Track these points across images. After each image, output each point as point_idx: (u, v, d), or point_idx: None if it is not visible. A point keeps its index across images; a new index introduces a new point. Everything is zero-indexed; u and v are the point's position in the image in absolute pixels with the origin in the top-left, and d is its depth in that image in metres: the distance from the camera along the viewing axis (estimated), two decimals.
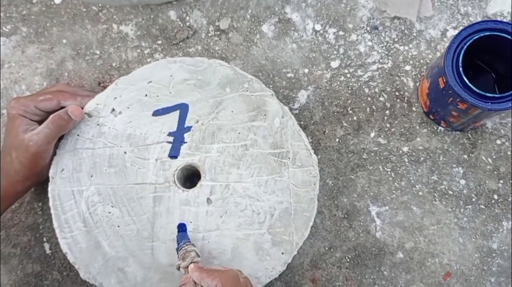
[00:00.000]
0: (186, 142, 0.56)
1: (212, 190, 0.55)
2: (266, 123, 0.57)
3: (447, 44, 0.62)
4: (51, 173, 0.56)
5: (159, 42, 0.64)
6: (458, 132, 0.61)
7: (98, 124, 0.56)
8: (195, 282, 0.46)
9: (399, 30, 0.63)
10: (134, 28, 0.65)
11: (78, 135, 0.56)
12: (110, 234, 0.55)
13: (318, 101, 0.62)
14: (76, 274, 0.59)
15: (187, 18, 0.65)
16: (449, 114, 0.56)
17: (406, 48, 0.63)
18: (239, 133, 0.56)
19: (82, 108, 0.56)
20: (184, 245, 0.50)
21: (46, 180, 0.57)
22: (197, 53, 0.64)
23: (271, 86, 0.63)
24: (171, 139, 0.56)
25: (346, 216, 0.60)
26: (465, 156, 0.61)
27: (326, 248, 0.60)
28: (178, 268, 0.48)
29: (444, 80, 0.52)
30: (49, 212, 0.58)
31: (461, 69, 0.51)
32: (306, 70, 0.63)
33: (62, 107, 0.56)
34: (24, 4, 0.66)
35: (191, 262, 0.47)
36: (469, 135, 0.61)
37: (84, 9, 0.66)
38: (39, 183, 0.59)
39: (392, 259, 0.59)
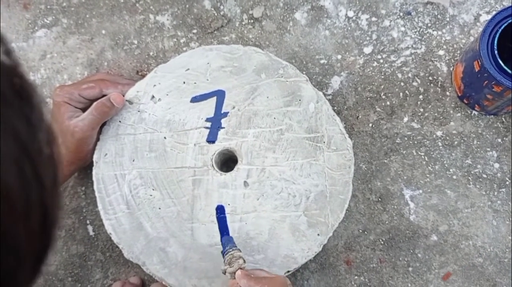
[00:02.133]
0: (223, 127, 0.58)
1: (249, 174, 0.57)
2: (301, 108, 0.58)
3: (480, 29, 0.62)
4: (95, 157, 0.58)
5: (195, 31, 0.66)
6: (492, 116, 0.61)
7: (138, 111, 0.59)
8: None
9: (432, 15, 0.63)
10: (170, 18, 0.67)
11: (120, 121, 0.58)
12: (152, 215, 0.57)
13: (351, 86, 0.63)
14: (118, 254, 0.62)
15: (221, 7, 0.66)
16: (483, 97, 0.56)
17: (440, 33, 0.63)
18: (274, 118, 0.58)
19: (123, 96, 0.58)
20: (231, 250, 0.50)
21: (89, 166, 0.59)
22: (232, 41, 0.65)
23: (304, 72, 0.64)
24: (208, 124, 0.58)
25: (379, 199, 0.61)
26: (499, 140, 0.61)
27: (360, 230, 0.61)
28: (224, 273, 0.49)
29: (480, 63, 0.52)
30: (92, 196, 0.61)
31: (496, 52, 0.51)
32: (339, 56, 0.64)
33: (104, 95, 0.58)
34: None
35: (238, 268, 0.47)
36: (503, 119, 0.61)
37: (122, 1, 0.68)
38: (82, 168, 0.62)
39: (426, 241, 0.60)
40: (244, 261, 0.49)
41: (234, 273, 0.48)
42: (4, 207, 0.18)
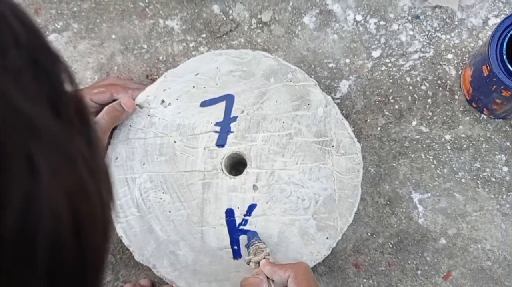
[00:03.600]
0: (232, 132, 0.59)
1: (258, 177, 0.58)
2: (309, 112, 0.58)
3: (489, 33, 0.62)
4: (106, 161, 0.59)
5: (204, 35, 0.67)
6: (500, 119, 0.61)
7: (149, 115, 0.59)
8: (267, 277, 0.47)
9: (440, 19, 0.63)
10: (179, 22, 0.67)
11: (130, 125, 0.59)
12: (162, 219, 0.57)
13: (360, 90, 0.63)
14: (128, 257, 0.63)
15: (230, 11, 0.67)
16: (492, 101, 0.57)
17: (448, 36, 0.63)
18: (283, 122, 0.58)
19: (134, 100, 0.59)
20: (256, 242, 0.52)
21: None
22: (240, 46, 0.66)
23: (313, 76, 0.64)
24: (218, 128, 0.59)
25: (388, 203, 0.61)
26: (508, 144, 0.61)
27: (369, 234, 0.61)
28: (248, 263, 0.50)
29: (488, 67, 0.52)
30: None
31: (505, 56, 0.51)
32: (348, 60, 0.64)
33: (115, 100, 0.59)
34: (74, 1, 0.70)
35: (263, 258, 0.49)
36: None
37: (132, 5, 0.68)
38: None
39: (435, 245, 0.60)
40: (268, 254, 0.51)
41: (259, 263, 0.49)
42: (80, 227, 0.19)
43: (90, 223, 0.20)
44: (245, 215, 0.57)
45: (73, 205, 0.18)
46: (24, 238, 0.16)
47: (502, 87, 0.52)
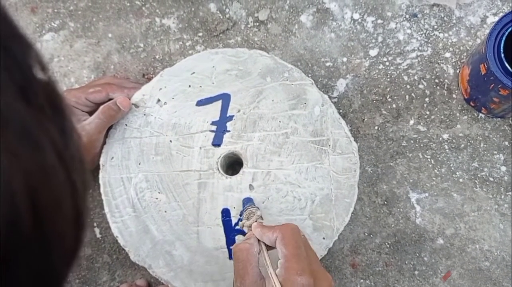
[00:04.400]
0: (228, 131, 0.58)
1: (254, 177, 0.57)
2: (306, 111, 0.58)
3: (487, 31, 0.62)
4: (101, 161, 0.59)
5: (200, 34, 0.66)
6: (499, 118, 0.61)
7: (144, 114, 0.59)
8: (258, 239, 0.47)
9: (438, 17, 0.63)
10: (176, 21, 0.67)
11: (126, 124, 0.59)
12: (158, 218, 0.57)
13: (357, 89, 0.63)
14: (125, 257, 0.62)
15: (227, 10, 0.66)
16: (490, 100, 0.56)
17: (446, 35, 0.63)
18: (279, 121, 0.58)
19: (130, 99, 0.59)
20: (249, 207, 0.52)
21: (95, 168, 0.60)
22: (237, 44, 0.66)
23: (310, 75, 0.64)
24: (214, 128, 0.58)
25: (385, 202, 0.61)
26: (506, 143, 0.61)
27: (366, 234, 0.61)
28: (242, 227, 0.50)
29: (486, 66, 0.52)
30: (98, 198, 0.61)
31: (502, 55, 0.51)
32: (345, 59, 0.64)
33: (111, 99, 0.59)
34: (71, 0, 0.69)
35: (255, 221, 0.49)
36: (510, 121, 0.61)
37: (128, 4, 0.68)
38: (89, 171, 0.62)
39: (432, 245, 0.60)
40: (262, 218, 0.50)
41: (251, 226, 0.49)
42: (40, 210, 0.19)
43: (54, 208, 0.20)
44: (240, 215, 0.56)
45: (33, 188, 0.19)
46: None
47: (500, 85, 0.52)
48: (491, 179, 0.60)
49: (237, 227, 0.56)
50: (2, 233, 0.18)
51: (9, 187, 0.18)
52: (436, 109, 0.62)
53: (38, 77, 0.21)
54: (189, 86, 0.59)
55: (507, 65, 0.50)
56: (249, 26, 0.66)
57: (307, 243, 0.46)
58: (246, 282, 0.44)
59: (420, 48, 0.63)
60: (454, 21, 0.63)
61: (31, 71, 0.21)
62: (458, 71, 0.62)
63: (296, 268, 0.42)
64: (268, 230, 0.46)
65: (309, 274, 0.42)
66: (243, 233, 0.57)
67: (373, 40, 0.63)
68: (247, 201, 0.55)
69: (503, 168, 0.60)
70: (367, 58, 0.63)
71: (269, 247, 0.47)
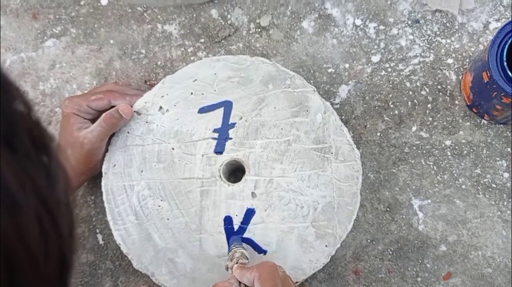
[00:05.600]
0: (230, 138, 0.58)
1: (257, 185, 0.57)
2: (308, 118, 0.58)
3: (489, 37, 0.61)
4: (104, 168, 0.59)
5: (202, 40, 0.66)
6: (501, 125, 0.61)
7: (146, 122, 0.59)
8: (239, 281, 0.48)
9: (440, 23, 0.63)
10: (177, 27, 0.67)
11: (128, 132, 0.59)
12: (160, 226, 0.57)
13: (359, 95, 0.63)
14: (127, 263, 0.62)
15: (229, 16, 0.66)
16: (493, 107, 0.56)
17: (448, 41, 0.62)
18: (281, 129, 0.58)
19: (132, 107, 0.59)
20: (234, 247, 0.52)
21: (98, 175, 0.60)
22: (239, 51, 0.65)
23: (312, 81, 0.64)
24: (216, 135, 0.58)
25: (388, 209, 0.61)
26: (509, 149, 0.60)
27: (369, 240, 0.61)
28: (227, 269, 0.50)
29: (488, 74, 0.52)
30: (101, 205, 0.62)
31: (505, 63, 0.51)
32: (347, 65, 0.64)
33: (113, 106, 0.59)
34: (72, 6, 0.69)
35: (236, 263, 0.49)
36: None
37: (130, 10, 0.68)
38: (91, 178, 0.62)
39: (435, 252, 0.60)
40: (246, 258, 0.50)
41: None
42: (24, 257, 0.19)
43: (32, 264, 0.20)
44: (242, 223, 0.56)
45: (9, 251, 0.18)
46: None
47: (502, 94, 0.51)
48: (494, 185, 0.60)
49: (239, 235, 0.56)
50: None
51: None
52: (438, 115, 0.62)
53: (23, 120, 0.20)
54: (191, 93, 0.59)
55: (509, 73, 0.50)
56: (251, 32, 0.66)
57: (286, 280, 0.47)
58: None
59: (422, 54, 0.62)
60: (457, 27, 0.62)
61: (15, 116, 0.20)
62: (460, 77, 0.62)
63: None
64: (246, 271, 0.47)
65: None
66: (245, 241, 0.57)
67: (375, 46, 0.63)
68: (232, 241, 0.55)
69: (506, 175, 0.60)
70: (369, 64, 0.63)
71: None
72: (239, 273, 0.48)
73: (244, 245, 0.56)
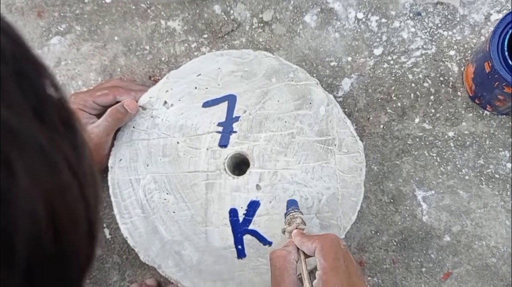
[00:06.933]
0: (235, 132, 0.59)
1: (261, 177, 0.58)
2: (311, 111, 0.58)
3: (491, 28, 0.62)
4: (110, 163, 0.59)
5: (205, 36, 0.67)
6: (504, 116, 0.61)
7: (152, 116, 0.60)
8: (297, 247, 0.46)
9: (442, 15, 0.63)
10: (181, 23, 0.67)
11: (133, 127, 0.60)
12: (166, 219, 0.58)
13: (362, 88, 0.63)
14: (134, 257, 0.63)
15: (231, 11, 0.67)
16: (495, 98, 0.56)
17: (450, 33, 0.63)
18: (285, 121, 0.58)
19: (137, 102, 0.60)
20: (292, 211, 0.51)
21: (104, 169, 0.61)
22: (242, 45, 0.66)
23: (314, 75, 0.64)
24: (220, 129, 0.59)
25: (392, 200, 0.61)
26: (511, 140, 0.61)
27: (373, 232, 0.61)
28: (283, 232, 0.49)
29: (490, 64, 0.52)
30: (107, 199, 0.62)
31: (506, 53, 0.51)
32: (349, 58, 0.64)
33: (118, 101, 0.59)
34: (77, 4, 0.70)
35: (296, 228, 0.48)
36: None
37: (134, 7, 0.69)
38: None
39: (439, 242, 0.60)
40: (304, 223, 0.49)
41: (291, 232, 0.48)
42: (66, 217, 0.20)
43: (71, 224, 0.21)
44: (247, 215, 0.57)
45: (52, 207, 0.20)
46: (2, 237, 0.18)
47: (504, 84, 0.52)
48: (497, 176, 0.60)
49: (244, 227, 0.57)
50: (26, 251, 0.18)
51: (31, 208, 0.18)
52: (441, 107, 0.62)
53: (51, 96, 0.22)
54: (195, 88, 0.60)
55: (511, 63, 0.50)
56: (253, 27, 0.66)
57: (347, 254, 0.44)
58: None
59: (424, 46, 0.63)
60: (458, 19, 0.63)
61: (45, 91, 0.22)
62: (462, 69, 0.62)
63: (334, 281, 0.41)
64: (307, 239, 0.46)
65: None
66: (251, 233, 0.57)
67: (378, 39, 0.64)
68: (291, 204, 0.53)
69: (509, 165, 0.60)
70: (371, 57, 0.64)
71: (308, 255, 0.46)
72: (300, 240, 0.46)
73: (249, 237, 0.57)
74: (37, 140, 0.19)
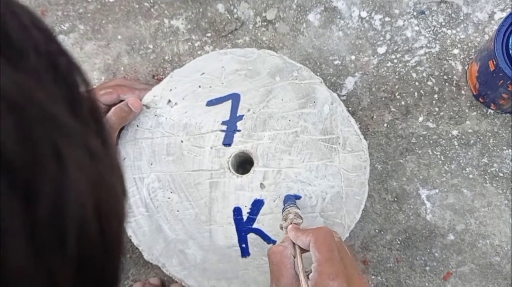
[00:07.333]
0: (239, 130, 0.59)
1: (265, 176, 0.58)
2: (315, 110, 0.58)
3: (495, 27, 0.62)
4: (118, 158, 0.59)
5: (209, 34, 0.67)
6: (508, 114, 0.61)
7: (155, 115, 0.60)
8: (293, 242, 0.47)
9: (446, 14, 0.63)
10: (184, 22, 0.67)
11: (137, 125, 0.60)
12: (170, 218, 0.58)
13: (366, 87, 0.63)
14: (138, 256, 0.63)
15: (235, 10, 0.67)
16: (499, 96, 0.56)
17: (454, 31, 0.63)
18: (289, 120, 0.58)
19: (140, 100, 0.59)
20: (288, 207, 0.51)
21: None
22: (245, 44, 0.66)
23: (318, 73, 0.64)
24: (224, 127, 0.59)
25: (395, 199, 0.61)
26: None
27: (377, 230, 0.61)
28: (281, 228, 0.50)
29: (494, 63, 0.52)
30: None
31: (511, 51, 0.51)
32: (353, 57, 0.64)
33: (122, 100, 0.59)
34: (80, 3, 0.70)
35: (290, 223, 0.49)
36: None
37: (137, 6, 0.69)
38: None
39: (443, 241, 0.60)
40: (300, 217, 0.50)
41: (287, 227, 0.49)
42: (105, 219, 0.21)
43: (109, 213, 0.21)
44: (251, 214, 0.57)
45: (95, 196, 0.20)
46: (56, 225, 0.18)
47: (508, 82, 0.52)
48: (501, 174, 0.60)
49: (248, 226, 0.57)
50: (76, 241, 0.19)
51: (79, 199, 0.19)
52: (445, 105, 0.62)
53: (82, 90, 0.22)
54: (199, 86, 0.60)
55: None
56: (257, 25, 0.66)
57: (342, 246, 0.45)
58: (281, 283, 0.44)
59: (428, 45, 0.63)
60: (462, 18, 0.63)
61: (77, 86, 0.22)
62: (466, 68, 0.62)
63: (329, 272, 0.41)
64: (302, 233, 0.46)
65: (343, 278, 0.41)
66: (255, 232, 0.57)
67: (381, 38, 0.64)
68: (287, 200, 0.54)
69: None
70: (375, 56, 0.64)
71: (304, 250, 0.46)
72: (294, 234, 0.47)
73: (253, 235, 0.57)
74: (78, 131, 0.20)
